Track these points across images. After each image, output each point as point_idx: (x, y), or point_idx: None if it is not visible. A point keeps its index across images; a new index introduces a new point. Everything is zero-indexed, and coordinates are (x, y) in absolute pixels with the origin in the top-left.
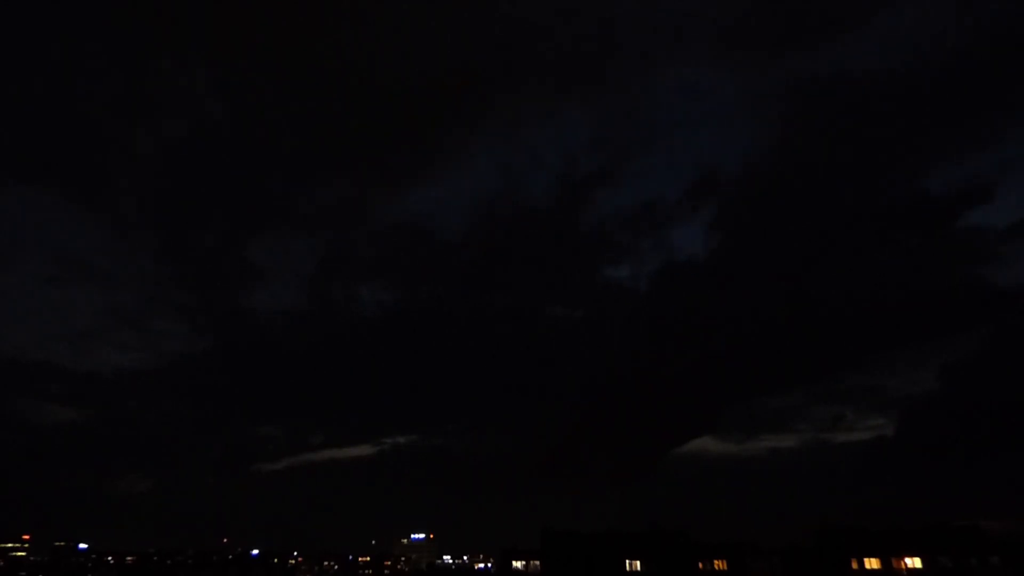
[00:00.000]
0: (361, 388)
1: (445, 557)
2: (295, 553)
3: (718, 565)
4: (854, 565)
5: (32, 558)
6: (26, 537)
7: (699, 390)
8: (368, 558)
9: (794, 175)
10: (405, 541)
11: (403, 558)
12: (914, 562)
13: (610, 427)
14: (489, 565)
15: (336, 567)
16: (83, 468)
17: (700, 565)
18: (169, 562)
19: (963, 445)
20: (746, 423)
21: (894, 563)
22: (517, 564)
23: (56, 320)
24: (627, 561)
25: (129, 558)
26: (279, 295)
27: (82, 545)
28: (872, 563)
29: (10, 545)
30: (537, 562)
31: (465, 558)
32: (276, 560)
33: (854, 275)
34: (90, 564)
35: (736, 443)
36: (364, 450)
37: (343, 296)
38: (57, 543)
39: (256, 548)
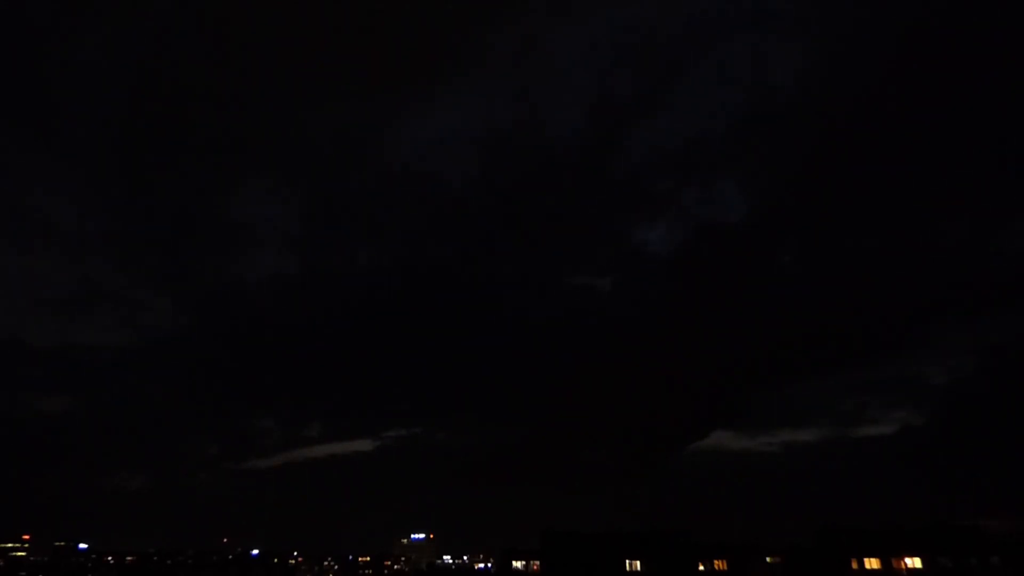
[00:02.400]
0: (360, 369)
1: (445, 557)
2: (295, 553)
3: (718, 565)
4: (854, 565)
5: (32, 558)
6: (26, 537)
7: (723, 376)
8: (368, 558)
9: (866, 104)
10: (405, 541)
11: (403, 558)
12: (914, 562)
13: (625, 418)
14: (489, 565)
15: (336, 567)
16: (71, 464)
17: (700, 566)
18: (169, 562)
19: (995, 438)
20: (765, 415)
21: (894, 563)
22: (517, 564)
23: (20, 291)
24: (627, 561)
25: (129, 558)
26: (266, 259)
27: (82, 545)
28: (872, 563)
29: (10, 545)
30: (537, 562)
31: (465, 558)
32: (276, 560)
33: (927, 236)
34: (90, 564)
35: (751, 437)
36: (364, 445)
37: (338, 259)
38: (57, 543)
39: (256, 548)
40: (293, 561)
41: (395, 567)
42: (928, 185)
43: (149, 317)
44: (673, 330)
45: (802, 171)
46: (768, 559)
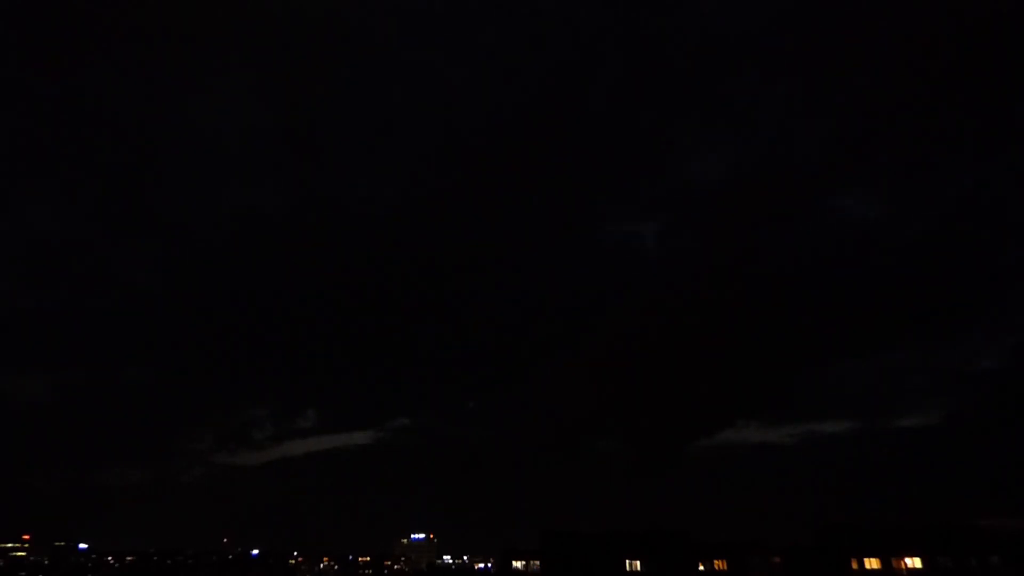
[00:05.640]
0: (356, 346)
1: (445, 557)
2: (295, 553)
3: (718, 565)
4: (854, 565)
5: (32, 558)
6: (26, 537)
7: (764, 353)
8: (368, 558)
9: None
10: (405, 541)
11: (403, 558)
12: (914, 562)
13: (648, 404)
14: (489, 565)
15: (336, 567)
16: (61, 456)
17: (700, 565)
18: (169, 562)
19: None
20: (793, 402)
21: (894, 563)
22: (517, 564)
23: None
24: (627, 561)
25: (129, 558)
26: (239, 192)
27: (82, 545)
28: (872, 563)
29: (10, 545)
30: (537, 562)
31: (465, 558)
32: (276, 560)
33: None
34: (90, 564)
35: (772, 428)
36: (363, 437)
37: (330, 192)
38: (57, 543)
39: (256, 548)
40: (293, 561)
41: (395, 567)
42: None
43: (111, 272)
44: (720, 293)
45: (902, 76)
46: (768, 558)
